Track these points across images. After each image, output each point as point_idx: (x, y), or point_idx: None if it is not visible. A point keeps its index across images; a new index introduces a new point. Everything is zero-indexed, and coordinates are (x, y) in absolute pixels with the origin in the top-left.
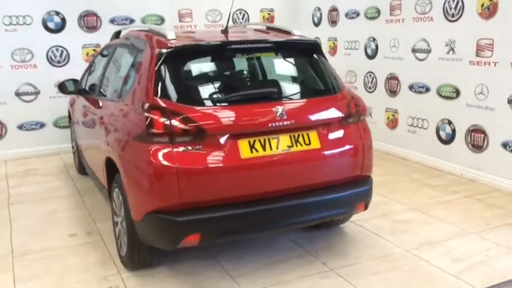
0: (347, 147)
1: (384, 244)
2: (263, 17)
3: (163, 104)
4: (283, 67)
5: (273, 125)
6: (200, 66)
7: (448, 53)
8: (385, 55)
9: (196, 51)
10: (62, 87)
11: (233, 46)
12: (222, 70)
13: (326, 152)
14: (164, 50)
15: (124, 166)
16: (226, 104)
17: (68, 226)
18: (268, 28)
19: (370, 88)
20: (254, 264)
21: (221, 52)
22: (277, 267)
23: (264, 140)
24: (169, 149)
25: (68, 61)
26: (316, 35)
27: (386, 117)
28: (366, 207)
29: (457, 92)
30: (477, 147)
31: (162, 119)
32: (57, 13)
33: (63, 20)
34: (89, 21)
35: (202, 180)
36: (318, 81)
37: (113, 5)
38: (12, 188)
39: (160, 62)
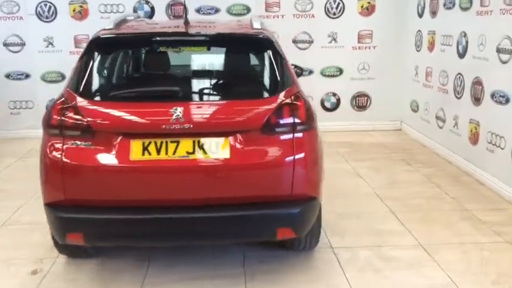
0: (268, 160)
1: (339, 282)
2: (361, 6)
3: (67, 96)
4: (211, 64)
5: (167, 127)
6: (117, 59)
7: None
8: (473, 54)
9: (119, 43)
10: None
11: (158, 39)
12: (137, 64)
13: (236, 164)
14: (89, 42)
15: None
16: (123, 100)
17: None
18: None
19: (458, 93)
20: (179, 275)
21: (144, 45)
22: (198, 283)
23: (161, 143)
24: (60, 143)
25: None
26: (419, 28)
27: (470, 129)
28: (296, 234)
29: None
30: None
31: (57, 111)
32: (147, 2)
33: (152, 9)
34: (175, 10)
35: (87, 179)
36: (251, 81)
37: None
38: None
39: (83, 54)
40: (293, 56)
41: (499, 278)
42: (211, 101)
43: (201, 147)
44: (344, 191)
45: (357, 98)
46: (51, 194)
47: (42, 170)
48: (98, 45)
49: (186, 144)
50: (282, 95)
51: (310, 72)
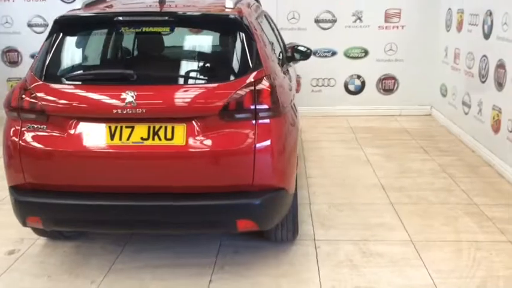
0: (226, 148)
1: (309, 277)
2: None
3: (28, 79)
4: (174, 46)
5: (119, 112)
6: (79, 41)
7: None
8: (497, 35)
9: (80, 24)
10: None
11: (119, 19)
12: (99, 46)
13: (191, 151)
14: (53, 23)
15: None
16: (77, 83)
17: None
18: None
19: (483, 77)
20: (148, 262)
21: (105, 26)
22: (162, 271)
23: (116, 128)
24: (18, 126)
25: None
26: (449, 6)
27: (492, 116)
28: (259, 226)
29: None
30: None
31: (17, 94)
32: None
33: None
34: None
35: (42, 163)
36: (213, 64)
37: None
38: None
39: (48, 35)
40: (315, 37)
41: (485, 282)
42: (166, 84)
43: (156, 133)
44: (347, 180)
45: (383, 81)
46: (13, 177)
47: (4, 153)
48: (60, 26)
49: (140, 130)
50: (245, 79)
51: (333, 53)
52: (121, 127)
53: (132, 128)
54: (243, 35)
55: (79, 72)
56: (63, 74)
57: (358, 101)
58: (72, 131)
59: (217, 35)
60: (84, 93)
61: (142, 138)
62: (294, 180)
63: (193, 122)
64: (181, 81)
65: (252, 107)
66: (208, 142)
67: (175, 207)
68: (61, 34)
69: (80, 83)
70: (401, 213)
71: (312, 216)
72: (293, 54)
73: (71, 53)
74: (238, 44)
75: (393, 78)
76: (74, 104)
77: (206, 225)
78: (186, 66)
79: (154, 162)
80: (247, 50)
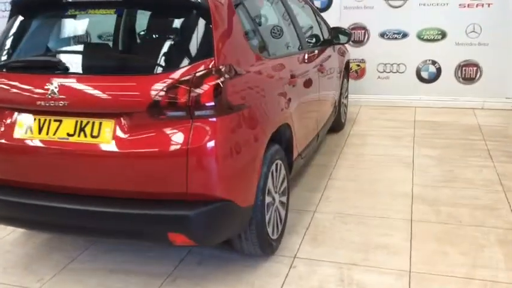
0: (154, 150)
1: None
2: None
3: None
4: (116, 31)
5: (42, 103)
6: (28, 25)
7: None
8: None
9: (32, 6)
10: None
11: (67, 0)
12: (42, 30)
13: (116, 152)
14: (11, 4)
15: None
16: (10, 71)
17: None
18: None
19: None
20: (106, 265)
21: (53, 8)
22: (113, 276)
23: (45, 121)
24: None
25: None
26: None
27: None
28: (194, 242)
29: None
30: None
31: None
32: None
33: None
34: None
35: None
36: (152, 51)
37: None
38: None
39: (8, 19)
40: (384, 16)
41: None
42: (92, 74)
43: (83, 129)
44: (375, 186)
45: (463, 68)
46: None
47: None
48: (17, 9)
49: (67, 125)
50: (186, 71)
51: (404, 35)
52: (49, 120)
53: (60, 122)
54: (192, 18)
55: (11, 59)
56: (4, 61)
57: (432, 91)
58: (5, 123)
59: (163, 18)
60: (13, 83)
61: (68, 134)
62: (253, 190)
63: (122, 118)
64: (109, 70)
65: (187, 103)
66: (135, 142)
67: (98, 213)
68: (16, 18)
69: (13, 71)
70: (417, 233)
71: (309, 228)
72: (333, 37)
73: (19, 38)
74: (184, 29)
75: (475, 65)
76: (5, 94)
77: (135, 235)
78: (120, 53)
79: (79, 161)
80: (195, 36)
